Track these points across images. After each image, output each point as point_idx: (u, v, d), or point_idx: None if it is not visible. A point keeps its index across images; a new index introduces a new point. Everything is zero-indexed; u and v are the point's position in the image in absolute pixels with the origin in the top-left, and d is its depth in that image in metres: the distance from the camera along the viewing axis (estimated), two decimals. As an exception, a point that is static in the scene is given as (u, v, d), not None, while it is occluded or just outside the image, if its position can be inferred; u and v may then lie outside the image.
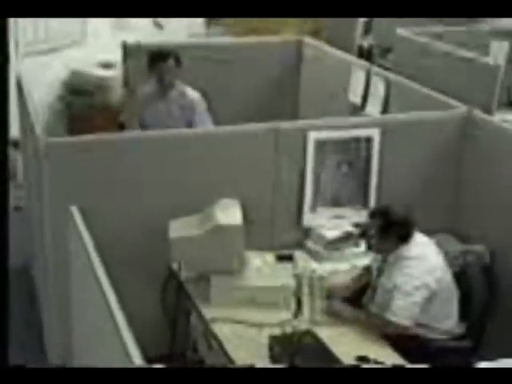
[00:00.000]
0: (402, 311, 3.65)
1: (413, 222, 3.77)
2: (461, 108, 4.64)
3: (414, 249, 3.77)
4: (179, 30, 7.97)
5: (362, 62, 5.84)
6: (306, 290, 3.98)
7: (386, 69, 5.88)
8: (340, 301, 3.89)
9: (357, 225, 4.35)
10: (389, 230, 3.73)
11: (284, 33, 7.10)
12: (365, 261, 4.13)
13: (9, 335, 3.31)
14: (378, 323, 3.73)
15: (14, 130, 5.09)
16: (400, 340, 3.64)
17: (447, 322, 3.84)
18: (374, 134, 4.45)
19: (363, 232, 3.99)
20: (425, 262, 3.74)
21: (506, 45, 6.33)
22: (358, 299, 3.97)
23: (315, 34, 6.66)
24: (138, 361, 2.27)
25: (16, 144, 5.59)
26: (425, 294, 3.68)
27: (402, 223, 3.74)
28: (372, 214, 3.84)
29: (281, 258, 4.16)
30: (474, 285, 3.98)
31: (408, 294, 3.66)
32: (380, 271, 3.87)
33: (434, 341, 3.80)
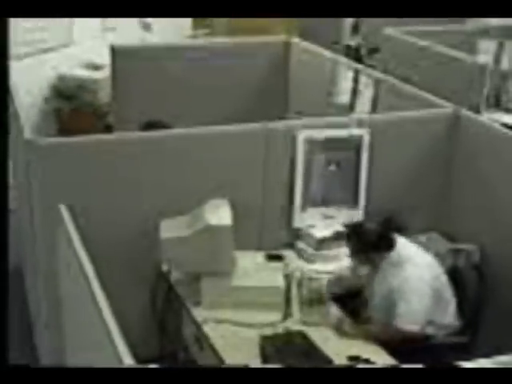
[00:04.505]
0: (409, 314, 3.61)
1: (391, 229, 3.74)
2: (449, 108, 4.64)
3: (402, 252, 3.75)
4: (166, 32, 7.96)
5: (351, 62, 5.84)
6: (295, 290, 3.99)
7: (374, 68, 5.89)
8: (336, 309, 3.85)
9: (346, 225, 4.35)
10: (368, 249, 3.72)
11: (268, 33, 7.07)
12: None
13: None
14: (385, 333, 3.64)
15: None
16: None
17: (447, 315, 3.81)
18: (363, 133, 4.45)
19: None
20: (416, 262, 3.73)
21: (494, 44, 6.36)
22: (354, 304, 3.95)
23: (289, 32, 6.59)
24: (128, 362, 2.26)
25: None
26: (427, 292, 3.65)
27: (379, 237, 3.71)
28: (348, 237, 3.82)
29: (271, 258, 4.17)
30: (464, 284, 3.98)
31: (410, 295, 3.61)
32: (371, 279, 3.85)
33: (432, 337, 3.76)
